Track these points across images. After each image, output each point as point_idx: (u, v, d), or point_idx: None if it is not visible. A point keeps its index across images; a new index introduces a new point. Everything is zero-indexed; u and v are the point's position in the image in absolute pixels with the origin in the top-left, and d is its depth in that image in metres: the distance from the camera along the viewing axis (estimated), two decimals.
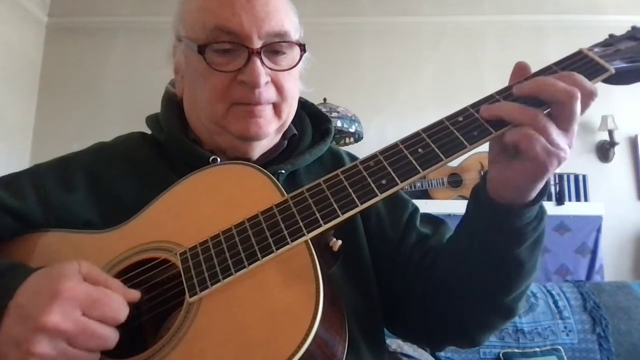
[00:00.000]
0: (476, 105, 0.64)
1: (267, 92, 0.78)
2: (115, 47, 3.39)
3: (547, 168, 0.59)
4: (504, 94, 0.64)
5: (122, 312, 0.58)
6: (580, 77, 0.61)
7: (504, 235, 0.66)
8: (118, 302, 0.58)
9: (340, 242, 0.62)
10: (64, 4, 3.44)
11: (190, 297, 0.60)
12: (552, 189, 2.93)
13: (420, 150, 0.62)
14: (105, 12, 3.43)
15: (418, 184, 2.96)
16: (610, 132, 3.09)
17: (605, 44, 0.70)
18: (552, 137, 0.58)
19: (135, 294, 0.61)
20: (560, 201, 2.90)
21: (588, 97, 0.60)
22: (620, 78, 0.65)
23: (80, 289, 0.56)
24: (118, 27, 3.41)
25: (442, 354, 2.25)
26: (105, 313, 0.56)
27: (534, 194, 0.64)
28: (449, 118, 0.64)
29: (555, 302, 2.37)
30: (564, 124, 0.60)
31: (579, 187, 2.95)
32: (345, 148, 1.45)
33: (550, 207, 2.86)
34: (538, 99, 0.61)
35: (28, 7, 3.22)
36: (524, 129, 0.58)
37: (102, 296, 0.57)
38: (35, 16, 3.31)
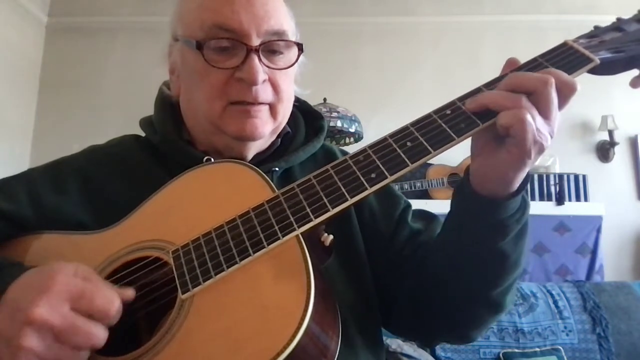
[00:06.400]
0: (463, 98, 0.65)
1: (264, 91, 0.78)
2: (115, 47, 3.39)
3: (530, 155, 0.60)
4: (490, 86, 0.65)
5: (112, 307, 0.56)
6: (556, 70, 0.62)
7: (487, 227, 0.66)
8: (109, 295, 0.57)
9: (331, 237, 0.62)
10: (64, 4, 3.45)
11: (182, 294, 0.60)
12: (552, 189, 2.93)
13: (408, 143, 0.63)
14: (105, 12, 3.44)
15: (418, 184, 2.95)
16: (610, 132, 3.08)
17: (590, 35, 0.70)
18: (537, 120, 0.59)
19: (129, 292, 0.60)
20: (560, 201, 2.89)
21: (566, 88, 0.61)
22: (605, 68, 0.66)
23: (71, 283, 0.55)
24: (118, 27, 3.42)
25: (442, 353, 2.25)
26: (94, 306, 0.55)
27: (516, 185, 0.65)
28: (436, 111, 0.65)
29: (555, 302, 2.37)
30: (544, 111, 0.60)
31: (579, 187, 2.94)
32: (345, 148, 1.45)
33: (550, 207, 2.87)
34: (516, 92, 0.61)
35: (28, 7, 3.23)
36: (517, 111, 0.59)
37: (92, 289, 0.56)
38: (35, 16, 3.32)
